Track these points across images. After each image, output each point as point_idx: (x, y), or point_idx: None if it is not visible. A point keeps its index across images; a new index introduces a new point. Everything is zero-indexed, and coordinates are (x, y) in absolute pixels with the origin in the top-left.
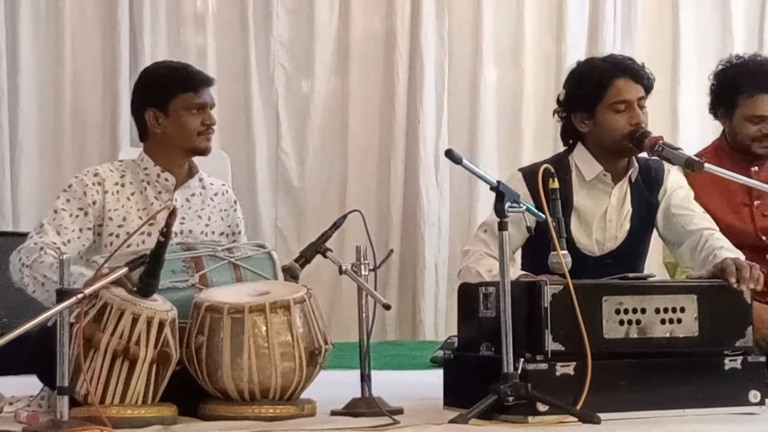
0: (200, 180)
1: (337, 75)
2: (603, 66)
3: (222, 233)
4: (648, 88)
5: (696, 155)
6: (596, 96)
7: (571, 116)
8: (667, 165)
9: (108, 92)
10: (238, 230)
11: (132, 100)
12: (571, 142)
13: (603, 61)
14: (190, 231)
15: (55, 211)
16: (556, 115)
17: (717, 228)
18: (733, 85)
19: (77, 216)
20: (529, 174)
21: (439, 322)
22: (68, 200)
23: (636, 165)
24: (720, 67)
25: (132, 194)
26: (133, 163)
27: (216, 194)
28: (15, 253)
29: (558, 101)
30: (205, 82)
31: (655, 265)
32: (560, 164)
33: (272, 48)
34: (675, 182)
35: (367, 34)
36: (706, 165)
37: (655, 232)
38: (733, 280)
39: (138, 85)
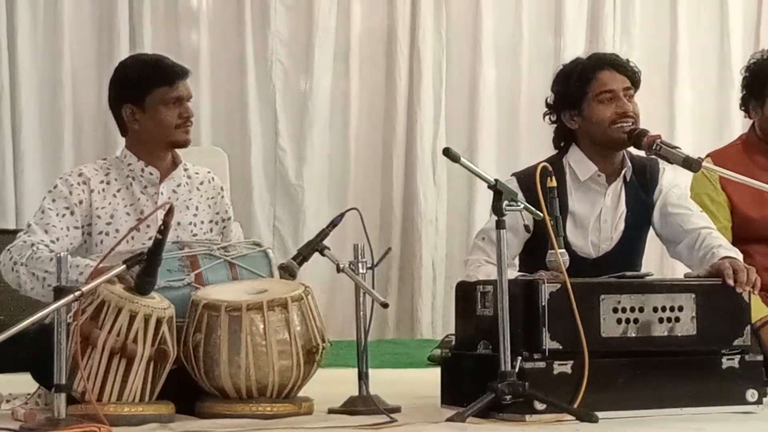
0: (185, 170)
1: (336, 72)
2: (586, 61)
3: (210, 221)
4: (634, 81)
5: (723, 149)
6: (581, 90)
7: (560, 116)
8: (662, 164)
9: (106, 88)
10: (227, 216)
11: (108, 97)
12: (563, 144)
13: (587, 58)
14: (178, 223)
15: (42, 211)
16: (546, 118)
17: (714, 227)
18: (764, 74)
19: (63, 215)
20: (523, 177)
21: (437, 320)
22: (54, 200)
23: (629, 164)
24: (751, 60)
25: (118, 191)
26: (117, 159)
27: (202, 182)
28: (4, 253)
29: (547, 104)
30: (180, 74)
31: (653, 263)
32: (554, 167)
33: (270, 43)
34: (670, 181)
35: (366, 31)
36: (704, 164)
37: (652, 231)
38: (730, 282)
39: (113, 81)
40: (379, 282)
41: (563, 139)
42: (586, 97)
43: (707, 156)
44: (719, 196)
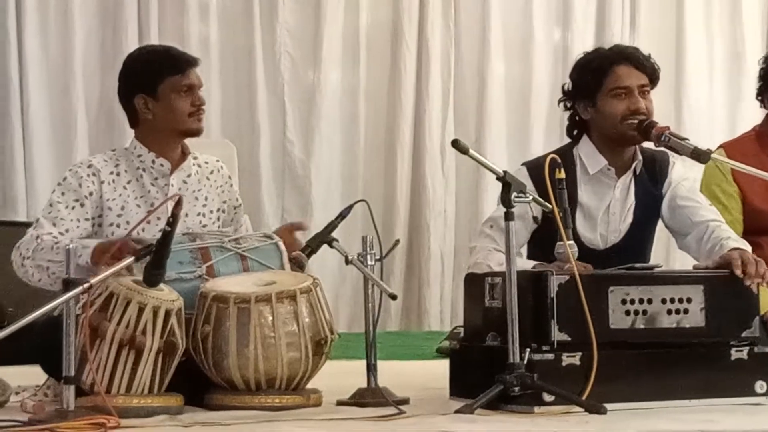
0: (194, 159)
1: (344, 64)
2: (605, 53)
3: (218, 209)
4: (652, 77)
5: (736, 140)
6: (597, 82)
7: (575, 105)
8: (672, 157)
9: (113, 80)
10: (238, 204)
11: (119, 88)
12: (576, 133)
13: (608, 50)
14: (186, 214)
15: (51, 205)
16: (561, 105)
17: (723, 220)
18: None
19: (73, 207)
20: (534, 168)
21: (445, 312)
22: (63, 193)
23: (640, 157)
24: None
25: (128, 182)
26: (126, 151)
27: (212, 172)
28: (15, 250)
29: (563, 90)
30: (190, 62)
31: (661, 255)
32: (565, 157)
33: (278, 35)
34: (680, 174)
35: (374, 23)
36: (713, 155)
37: (660, 223)
38: (738, 272)
39: (124, 72)
40: (387, 274)
41: (576, 128)
42: (601, 90)
43: (719, 147)
44: (731, 187)
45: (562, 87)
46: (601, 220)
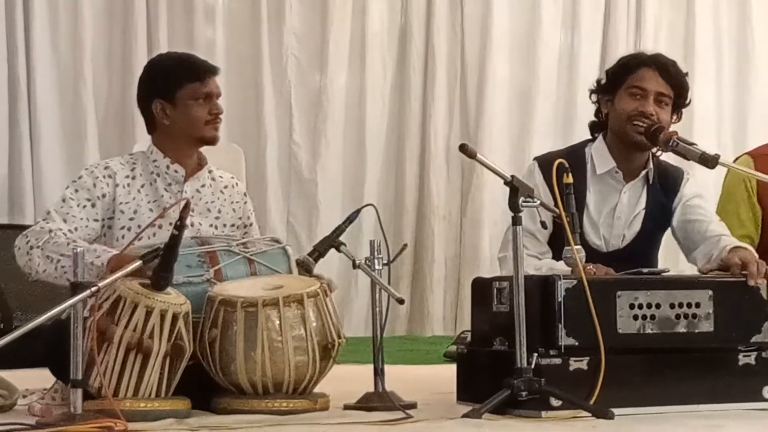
0: (210, 172)
1: (351, 67)
2: (641, 55)
3: (233, 225)
4: (678, 92)
5: (764, 147)
6: (620, 78)
7: (599, 98)
8: (686, 173)
9: (121, 84)
10: (249, 222)
11: (138, 93)
12: (596, 130)
13: (647, 54)
14: (200, 224)
15: (63, 200)
16: (592, 96)
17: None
18: None
19: (84, 206)
20: (544, 163)
21: (449, 316)
22: (77, 190)
23: (651, 166)
24: None
25: (142, 186)
26: (143, 154)
27: (226, 187)
28: (21, 237)
29: (597, 82)
30: (210, 71)
31: (669, 260)
32: (576, 155)
33: (285, 39)
34: (692, 191)
35: (380, 26)
36: (720, 160)
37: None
38: (737, 272)
39: (143, 77)
40: (396, 278)
41: (597, 123)
42: (622, 86)
43: (746, 154)
44: (753, 207)
45: (597, 80)
46: (603, 222)
